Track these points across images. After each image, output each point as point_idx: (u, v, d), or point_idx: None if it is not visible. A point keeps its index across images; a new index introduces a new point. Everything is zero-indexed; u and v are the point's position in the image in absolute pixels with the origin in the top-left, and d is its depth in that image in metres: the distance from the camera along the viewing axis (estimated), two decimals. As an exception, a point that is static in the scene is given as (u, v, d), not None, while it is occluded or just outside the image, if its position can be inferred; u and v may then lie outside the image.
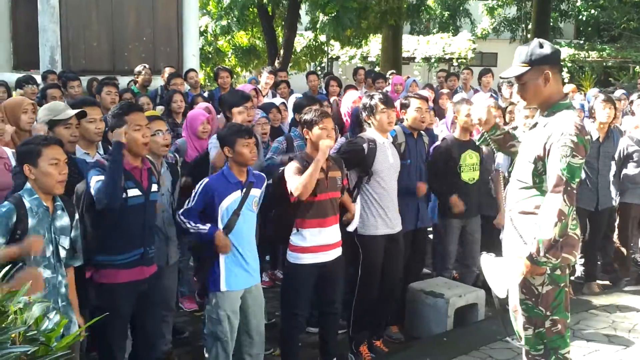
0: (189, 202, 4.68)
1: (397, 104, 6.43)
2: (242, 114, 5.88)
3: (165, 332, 5.40)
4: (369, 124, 5.62)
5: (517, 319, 4.06)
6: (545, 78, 3.80)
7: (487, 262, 4.01)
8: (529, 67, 3.80)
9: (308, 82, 11.27)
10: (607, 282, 7.60)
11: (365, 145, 5.46)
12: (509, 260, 3.86)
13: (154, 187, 4.48)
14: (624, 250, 7.58)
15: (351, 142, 5.64)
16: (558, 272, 3.84)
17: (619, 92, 10.90)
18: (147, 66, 10.01)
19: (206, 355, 4.83)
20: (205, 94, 10.01)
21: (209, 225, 4.60)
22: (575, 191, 3.65)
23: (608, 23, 26.79)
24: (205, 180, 4.71)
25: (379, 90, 8.18)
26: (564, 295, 3.90)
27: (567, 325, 3.96)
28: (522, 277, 3.79)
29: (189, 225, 4.61)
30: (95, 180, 4.13)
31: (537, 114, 4.05)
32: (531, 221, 3.79)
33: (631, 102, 8.79)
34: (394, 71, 13.91)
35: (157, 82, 10.40)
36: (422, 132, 6.25)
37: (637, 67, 26.04)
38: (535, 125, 3.96)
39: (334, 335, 5.39)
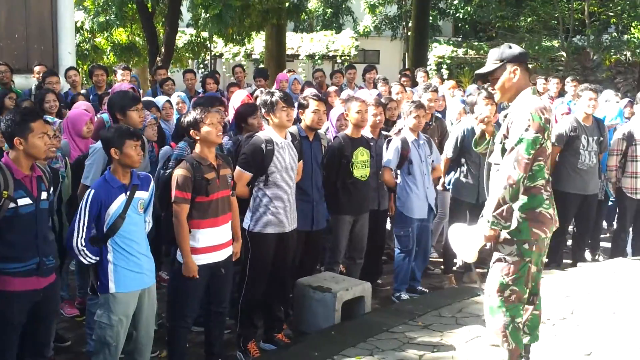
0: (80, 222, 4.44)
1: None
2: (140, 116, 5.73)
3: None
4: (267, 120, 5.57)
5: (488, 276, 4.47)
6: (514, 73, 4.33)
7: (456, 231, 4.55)
8: (500, 64, 4.36)
9: (185, 81, 11.11)
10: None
11: (263, 146, 5.41)
12: (476, 227, 4.32)
13: (44, 195, 4.35)
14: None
15: (251, 143, 5.53)
16: (526, 246, 4.26)
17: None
18: (3, 63, 9.54)
19: None
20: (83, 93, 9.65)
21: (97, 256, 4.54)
22: (527, 161, 4.10)
23: (484, 22, 27.65)
24: (91, 192, 4.51)
25: (279, 89, 8.04)
26: (527, 269, 4.31)
27: (523, 299, 4.39)
28: (489, 242, 4.31)
29: (91, 261, 4.54)
30: None
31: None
32: None
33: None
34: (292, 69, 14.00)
35: (31, 81, 9.94)
36: (319, 133, 6.27)
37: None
38: (506, 116, 4.48)
39: (220, 335, 5.35)
